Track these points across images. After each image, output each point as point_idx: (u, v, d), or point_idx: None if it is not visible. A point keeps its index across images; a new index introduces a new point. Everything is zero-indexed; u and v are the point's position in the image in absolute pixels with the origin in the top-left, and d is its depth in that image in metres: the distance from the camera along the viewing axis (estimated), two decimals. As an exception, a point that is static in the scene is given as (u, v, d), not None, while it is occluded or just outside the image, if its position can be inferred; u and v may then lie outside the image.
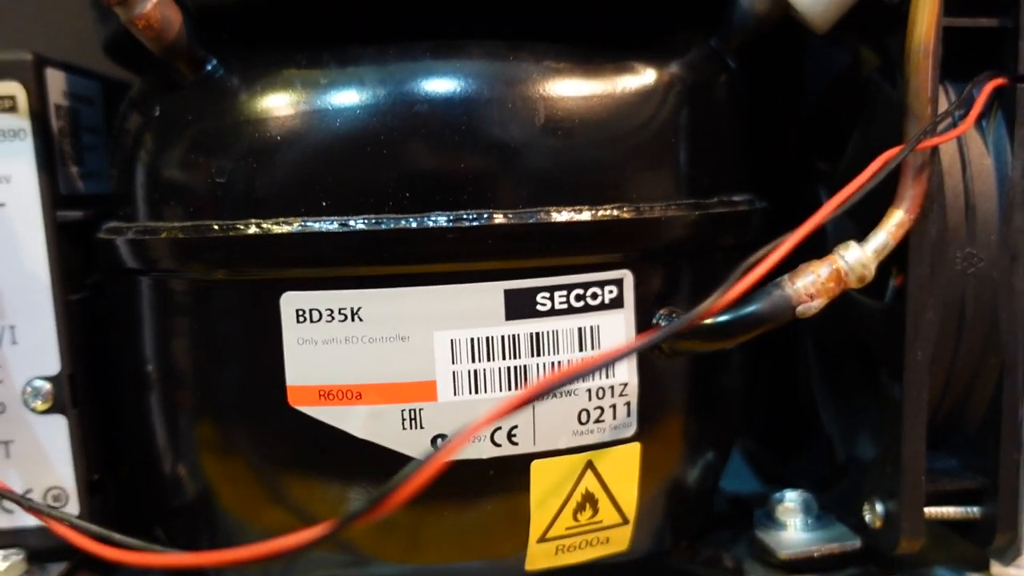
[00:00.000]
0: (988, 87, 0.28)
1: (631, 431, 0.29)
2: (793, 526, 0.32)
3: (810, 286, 0.27)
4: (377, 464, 0.27)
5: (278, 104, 0.27)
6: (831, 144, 0.34)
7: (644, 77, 0.29)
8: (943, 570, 0.33)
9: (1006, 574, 0.31)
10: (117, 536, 0.25)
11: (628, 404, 0.28)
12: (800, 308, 0.27)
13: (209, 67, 0.28)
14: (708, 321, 0.27)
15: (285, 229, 0.26)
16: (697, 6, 0.30)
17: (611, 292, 0.28)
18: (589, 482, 0.29)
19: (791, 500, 0.33)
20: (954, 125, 0.29)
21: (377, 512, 0.18)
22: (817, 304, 0.27)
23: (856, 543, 0.31)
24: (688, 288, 0.29)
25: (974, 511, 0.31)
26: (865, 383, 0.32)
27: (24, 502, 0.23)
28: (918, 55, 0.27)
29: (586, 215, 0.27)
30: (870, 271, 0.27)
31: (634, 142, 0.28)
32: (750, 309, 0.27)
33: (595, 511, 0.29)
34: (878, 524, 0.30)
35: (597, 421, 0.28)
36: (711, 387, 0.31)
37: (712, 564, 0.33)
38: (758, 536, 0.33)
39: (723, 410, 0.33)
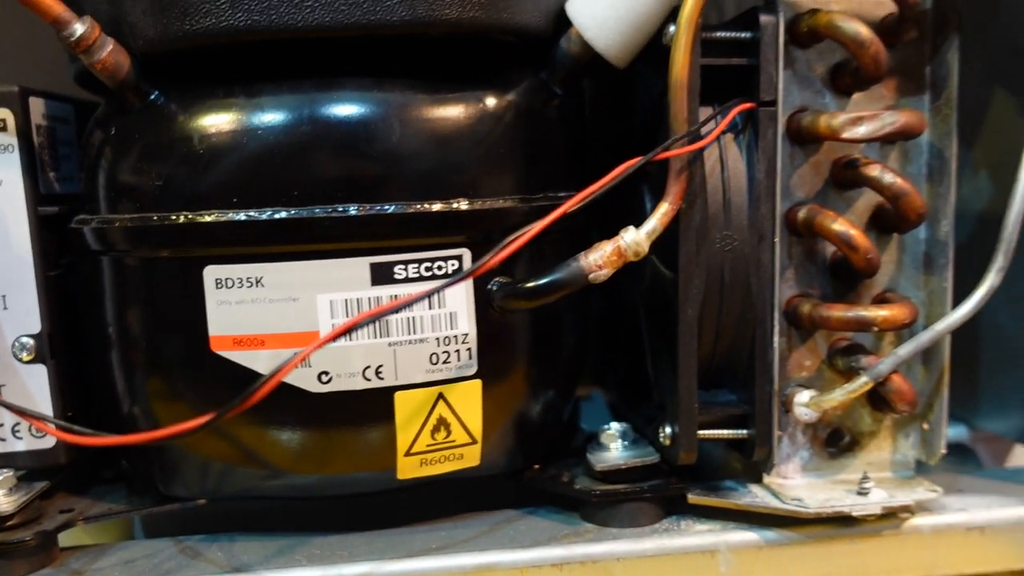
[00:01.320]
0: (735, 110, 0.38)
1: (472, 370, 0.38)
2: (614, 448, 0.42)
3: (599, 259, 0.36)
4: (277, 392, 0.36)
5: (202, 126, 0.36)
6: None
7: (483, 103, 0.38)
8: (729, 481, 0.42)
9: (773, 482, 0.41)
10: (76, 427, 0.34)
11: (469, 350, 0.38)
12: (591, 276, 0.37)
13: (152, 96, 0.37)
14: (525, 285, 0.37)
15: (207, 219, 0.35)
16: (528, 49, 0.39)
17: (453, 264, 0.37)
18: (442, 409, 0.38)
19: (612, 428, 0.42)
20: (704, 139, 0.38)
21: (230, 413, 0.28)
22: (605, 273, 0.37)
23: (655, 458, 0.41)
24: (519, 263, 0.39)
25: (742, 432, 0.40)
26: (665, 336, 0.41)
27: (18, 408, 0.32)
28: (676, 87, 0.36)
29: (434, 207, 0.36)
30: (643, 248, 0.36)
31: (474, 152, 0.37)
32: (553, 277, 0.37)
33: (448, 432, 0.39)
34: (667, 443, 0.40)
35: (445, 362, 0.38)
36: (543, 339, 0.41)
37: (553, 479, 0.42)
38: (587, 456, 0.42)
39: (556, 358, 0.42)
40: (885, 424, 0.41)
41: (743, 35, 0.38)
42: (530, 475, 0.43)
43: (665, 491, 0.40)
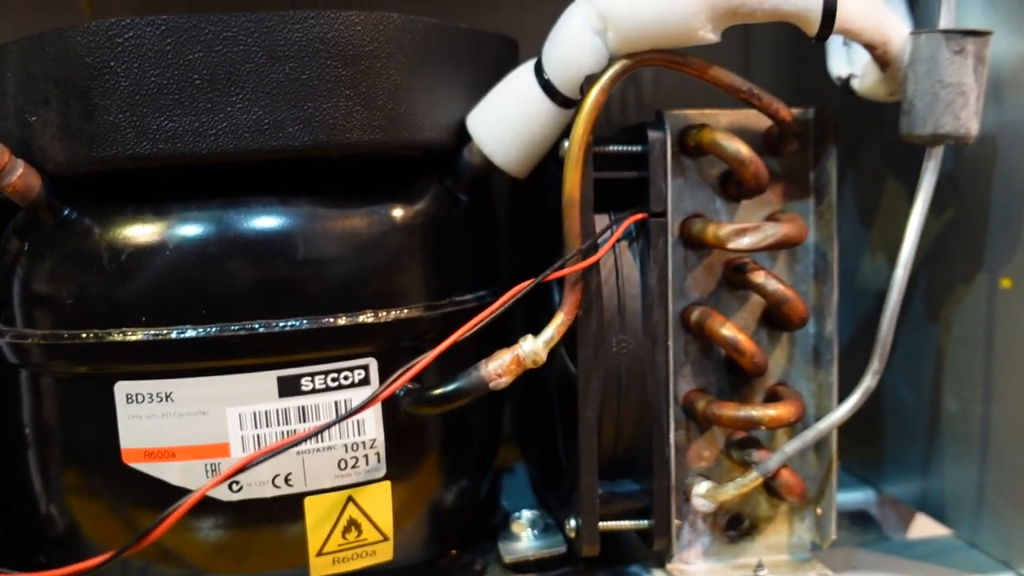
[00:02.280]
0: (628, 222, 0.40)
1: (381, 473, 0.40)
2: (524, 538, 0.43)
3: (499, 367, 0.38)
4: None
5: (111, 245, 0.37)
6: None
7: (387, 215, 0.39)
8: (636, 566, 0.44)
9: (675, 568, 0.43)
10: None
11: (378, 454, 0.39)
12: (492, 384, 0.38)
13: (65, 213, 0.38)
14: (429, 393, 0.39)
15: (116, 338, 0.37)
16: (433, 159, 0.41)
17: (360, 374, 0.38)
18: (352, 511, 0.40)
19: (523, 517, 0.44)
20: (598, 252, 0.40)
21: (139, 546, 0.29)
22: (505, 380, 0.38)
23: (563, 548, 0.42)
24: (429, 367, 0.40)
25: (644, 523, 0.42)
26: (570, 428, 0.43)
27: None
28: (569, 204, 0.38)
29: (340, 321, 0.38)
30: (541, 356, 0.38)
31: (379, 265, 0.39)
32: (455, 386, 0.38)
33: (359, 531, 0.40)
34: (572, 535, 0.42)
35: (353, 467, 0.39)
36: (453, 434, 0.42)
37: (467, 567, 0.44)
38: (498, 545, 0.43)
39: (467, 449, 0.43)
40: (781, 509, 0.44)
41: (634, 148, 0.40)
42: (446, 562, 0.45)
43: (571, 581, 0.42)
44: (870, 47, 0.37)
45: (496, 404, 0.46)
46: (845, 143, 0.53)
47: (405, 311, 0.39)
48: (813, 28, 0.36)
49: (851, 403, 0.39)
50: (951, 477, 0.48)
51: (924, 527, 0.56)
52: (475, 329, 0.37)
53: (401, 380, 0.35)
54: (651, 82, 0.65)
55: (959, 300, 0.46)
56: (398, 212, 0.40)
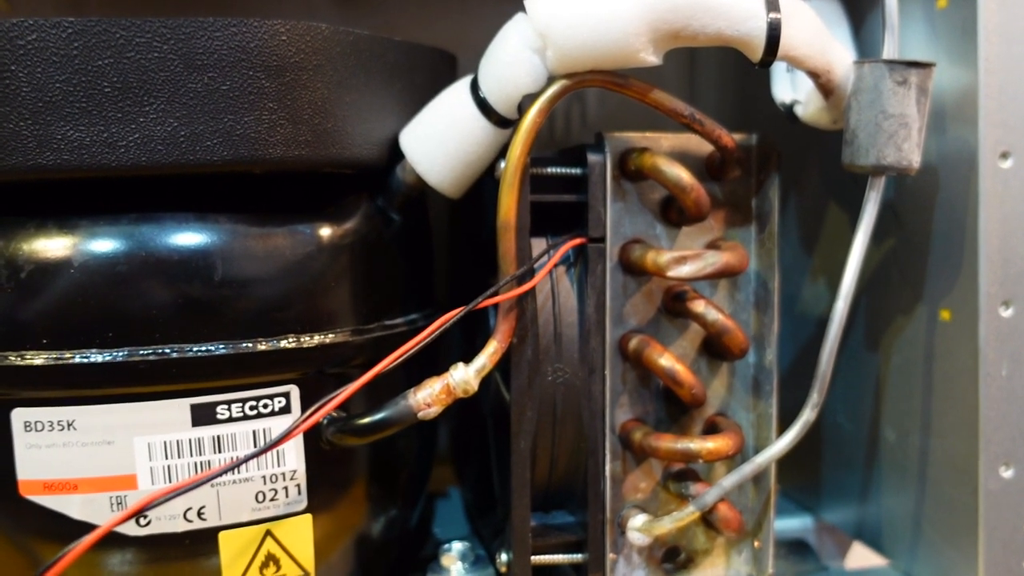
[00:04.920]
0: (565, 247, 0.38)
1: (302, 506, 0.37)
2: (454, 571, 0.42)
3: (428, 397, 0.36)
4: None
5: (12, 262, 0.34)
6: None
7: (313, 234, 0.37)
8: (569, 601, 0.42)
9: (609, 603, 0.41)
10: None
11: (298, 486, 0.37)
12: (420, 414, 0.37)
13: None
14: (355, 423, 0.37)
15: (13, 361, 0.34)
16: (364, 177, 0.39)
17: (280, 402, 0.36)
18: (270, 546, 0.37)
19: (453, 550, 0.42)
20: (534, 278, 0.38)
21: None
22: (434, 410, 0.37)
23: (492, 583, 0.41)
24: (356, 395, 0.38)
25: (578, 557, 0.41)
26: (503, 458, 0.41)
27: None
28: (503, 228, 0.36)
29: (260, 346, 0.36)
30: (472, 385, 0.37)
31: (303, 287, 0.37)
32: (380, 416, 0.36)
33: (278, 567, 0.38)
34: (504, 569, 0.40)
35: (272, 500, 0.37)
36: (380, 464, 0.40)
37: (393, 602, 0.42)
38: (427, 578, 0.42)
39: (395, 479, 0.42)
40: (719, 542, 0.43)
41: (574, 171, 0.39)
42: (372, 596, 0.43)
43: (501, 617, 0.41)
44: (813, 75, 0.37)
45: (428, 429, 0.44)
46: (789, 168, 0.52)
47: (330, 336, 0.37)
48: (757, 54, 0.35)
49: (789, 436, 0.38)
50: (888, 507, 0.47)
51: (861, 557, 0.55)
52: (404, 357, 0.35)
53: (322, 411, 0.34)
54: (597, 100, 0.64)
55: (899, 330, 0.45)
56: (325, 231, 0.38)
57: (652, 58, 0.35)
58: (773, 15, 0.34)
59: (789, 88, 0.43)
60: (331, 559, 0.39)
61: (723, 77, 0.62)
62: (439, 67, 0.42)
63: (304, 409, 0.37)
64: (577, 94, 0.61)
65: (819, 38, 0.36)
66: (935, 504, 0.44)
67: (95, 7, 0.57)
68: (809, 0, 0.43)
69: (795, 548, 0.52)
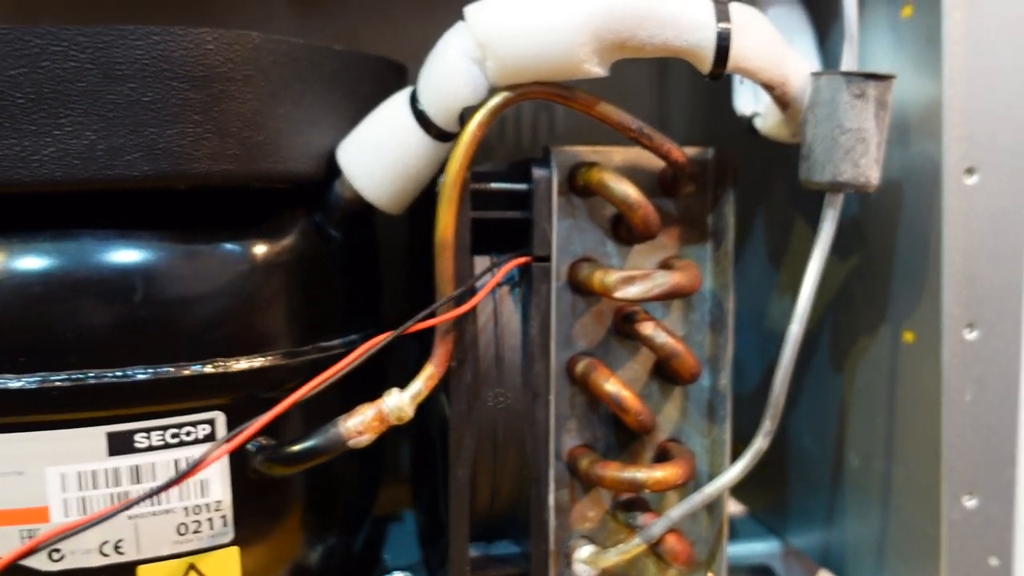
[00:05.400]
0: (508, 266, 0.36)
1: (228, 538, 0.36)
2: (395, 601, 0.40)
3: (359, 424, 0.35)
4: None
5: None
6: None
7: (244, 253, 0.36)
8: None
9: (557, 637, 0.40)
10: None
11: (224, 517, 0.35)
12: (351, 442, 0.35)
13: None
14: (282, 451, 0.35)
15: (-82, 386, 0.32)
16: (301, 192, 0.38)
17: (204, 429, 0.35)
18: (194, 579, 0.36)
19: (394, 579, 0.40)
20: (473, 298, 0.37)
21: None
22: (366, 438, 0.35)
23: (434, 616, 0.39)
24: (288, 421, 0.36)
25: (521, 590, 0.39)
26: (445, 487, 0.40)
27: None
28: (441, 247, 0.35)
29: (184, 372, 0.34)
30: (407, 412, 0.35)
31: (231, 309, 0.35)
32: (309, 444, 0.35)
33: (204, 602, 0.36)
34: (443, 603, 0.38)
35: (195, 532, 0.35)
36: (315, 492, 0.39)
37: (332, 634, 0.40)
38: (367, 609, 0.40)
39: (333, 506, 0.40)
40: (670, 574, 0.41)
41: (519, 187, 0.37)
42: (311, 627, 0.41)
43: (443, 651, 0.39)
44: (768, 87, 0.35)
45: (373, 450, 0.42)
46: (758, 182, 0.51)
47: (260, 359, 0.35)
48: (706, 66, 0.33)
49: (740, 466, 0.37)
50: (852, 532, 0.46)
51: (815, 577, 0.54)
52: (331, 380, 0.33)
53: (235, 441, 0.32)
54: (565, 110, 0.62)
55: (863, 351, 0.44)
56: (257, 248, 0.36)
57: (597, 69, 0.33)
58: (722, 25, 0.33)
59: (751, 100, 0.41)
60: (263, 592, 0.38)
61: (694, 88, 0.61)
62: (386, 77, 0.40)
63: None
64: (544, 103, 0.59)
65: (773, 49, 0.34)
66: (898, 532, 0.42)
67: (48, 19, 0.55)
68: (771, 8, 0.41)
69: (758, 572, 0.50)
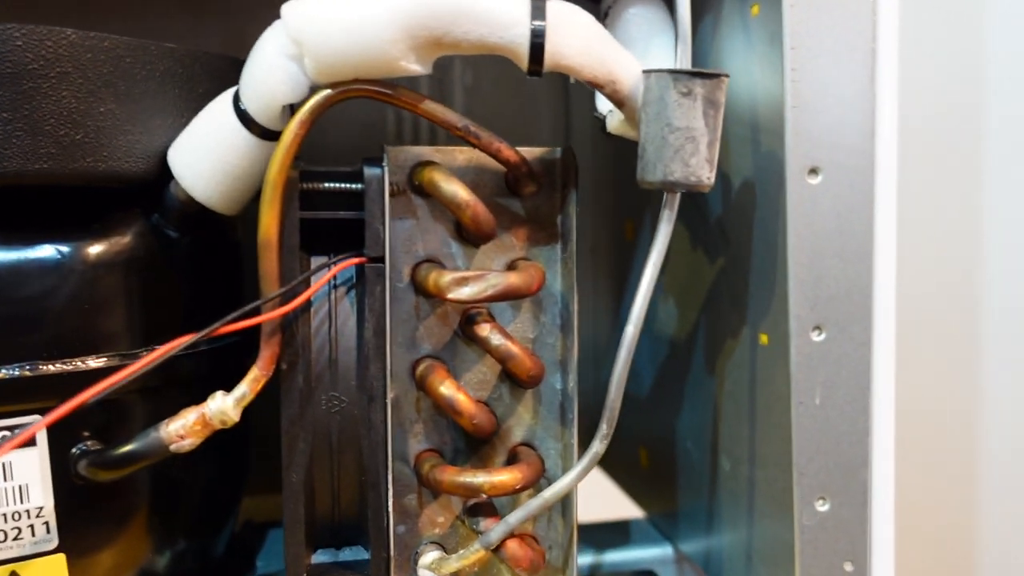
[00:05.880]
0: (340, 266, 0.36)
1: (52, 545, 0.35)
2: (243, 610, 0.39)
3: (181, 428, 0.34)
4: None
5: None
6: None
7: (69, 252, 0.35)
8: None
9: (405, 645, 0.39)
10: None
11: (46, 523, 0.35)
12: (173, 447, 0.34)
13: None
14: (102, 455, 0.34)
15: None
16: (137, 192, 0.37)
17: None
18: (16, 588, 0.35)
19: (243, 588, 0.40)
20: (296, 299, 0.36)
21: None
22: (189, 442, 0.34)
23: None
24: (105, 423, 0.36)
25: (365, 597, 0.38)
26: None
27: None
28: (264, 246, 0.34)
29: (2, 374, 0.33)
30: (231, 416, 0.34)
31: (47, 308, 0.34)
32: (127, 448, 0.34)
33: (29, 610, 0.35)
34: (283, 610, 0.38)
35: (16, 539, 0.34)
36: (156, 495, 0.38)
37: (180, 643, 0.40)
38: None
39: (175, 512, 0.39)
40: (525, 579, 0.40)
41: (353, 186, 0.36)
42: (162, 634, 0.40)
43: (284, 659, 0.38)
44: (595, 85, 0.35)
45: (232, 451, 0.41)
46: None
47: (89, 362, 0.35)
48: (523, 63, 0.33)
49: (576, 471, 0.36)
50: (727, 538, 0.45)
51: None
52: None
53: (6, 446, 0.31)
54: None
55: (729, 354, 0.43)
56: (85, 249, 0.35)
57: (415, 66, 0.33)
58: (537, 23, 0.32)
59: (605, 100, 0.41)
60: (99, 600, 0.37)
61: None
62: (228, 75, 0.40)
63: (52, 441, 0.34)
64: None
65: (597, 46, 0.34)
66: (761, 538, 0.42)
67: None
68: (632, 7, 0.41)
69: (642, 580, 0.49)
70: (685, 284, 0.48)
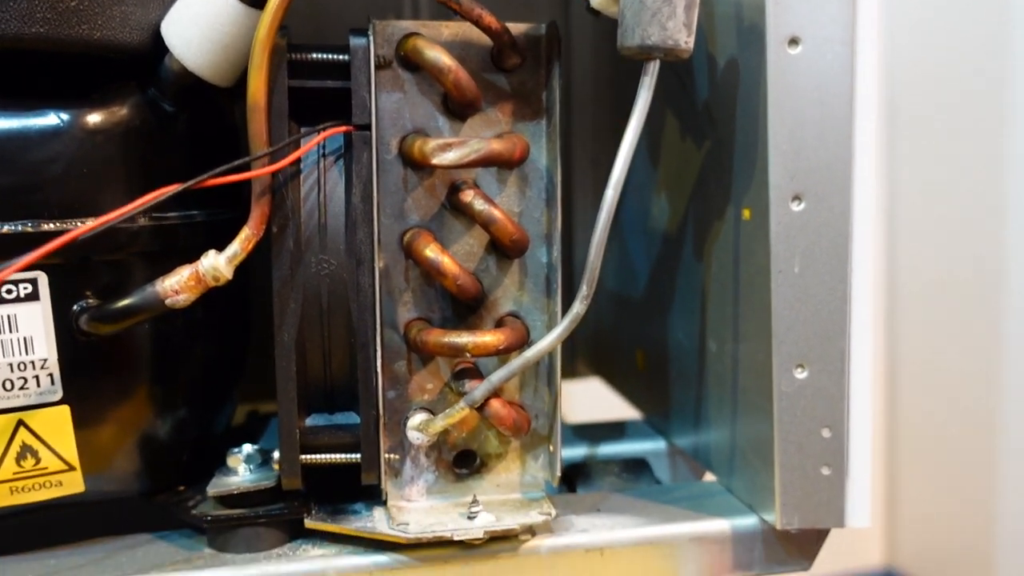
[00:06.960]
0: (325, 133, 0.37)
1: (57, 396, 0.37)
2: (241, 472, 0.41)
3: (176, 284, 0.36)
4: None
5: None
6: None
7: (68, 119, 0.36)
8: (359, 503, 0.41)
9: (395, 505, 0.41)
10: None
11: (51, 375, 0.37)
12: (168, 301, 0.36)
13: None
14: (101, 309, 0.36)
15: None
16: (135, 64, 0.38)
17: (26, 288, 0.36)
18: (25, 436, 0.37)
19: (241, 451, 0.41)
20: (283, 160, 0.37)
21: None
22: (183, 298, 0.36)
23: (271, 482, 0.40)
24: (106, 283, 0.37)
25: (354, 457, 0.40)
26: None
27: None
28: (253, 109, 0.35)
29: (3, 229, 0.35)
30: (223, 273, 0.36)
31: (52, 172, 0.36)
32: (125, 302, 0.36)
33: (37, 459, 0.37)
34: (276, 468, 0.39)
35: (22, 388, 0.36)
36: (156, 357, 0.39)
37: (181, 503, 0.41)
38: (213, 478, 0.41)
39: (177, 375, 0.41)
40: (512, 447, 0.42)
41: (339, 57, 0.37)
42: (165, 498, 0.42)
43: (280, 516, 0.40)
44: (575, -51, 0.35)
45: (228, 328, 0.43)
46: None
47: (86, 223, 0.36)
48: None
49: (558, 331, 0.37)
50: (713, 421, 0.46)
51: (697, 475, 0.54)
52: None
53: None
54: None
55: (715, 236, 0.44)
56: (84, 117, 0.37)
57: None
58: None
59: (592, -21, 0.41)
60: (102, 455, 0.39)
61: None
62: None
63: (56, 297, 0.36)
64: None
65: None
66: (743, 413, 0.43)
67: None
68: None
69: (631, 465, 0.51)
70: (676, 175, 0.49)
